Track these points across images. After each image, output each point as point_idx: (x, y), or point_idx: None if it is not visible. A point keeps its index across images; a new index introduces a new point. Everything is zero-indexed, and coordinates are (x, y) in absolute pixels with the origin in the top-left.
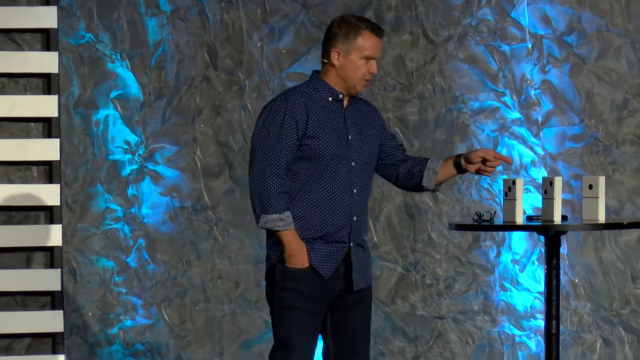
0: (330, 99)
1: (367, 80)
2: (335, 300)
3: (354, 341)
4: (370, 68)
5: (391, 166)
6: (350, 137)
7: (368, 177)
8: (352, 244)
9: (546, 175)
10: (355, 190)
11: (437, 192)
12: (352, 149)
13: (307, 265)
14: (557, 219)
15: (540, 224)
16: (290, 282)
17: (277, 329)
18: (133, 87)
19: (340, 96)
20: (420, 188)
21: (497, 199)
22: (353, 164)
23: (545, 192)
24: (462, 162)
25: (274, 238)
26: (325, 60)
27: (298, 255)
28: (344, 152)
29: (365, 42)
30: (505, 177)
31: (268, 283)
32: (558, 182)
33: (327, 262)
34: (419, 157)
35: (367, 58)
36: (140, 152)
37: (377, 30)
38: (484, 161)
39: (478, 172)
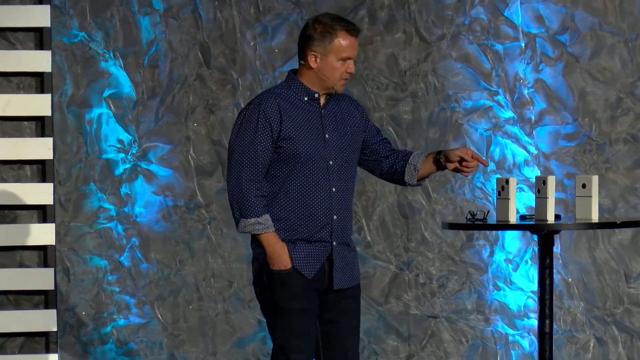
0: (306, 98)
1: (344, 79)
2: (323, 297)
3: (343, 339)
4: (348, 67)
5: (375, 161)
6: (327, 136)
7: (348, 175)
8: (334, 243)
9: (539, 174)
10: (334, 189)
11: (430, 191)
12: (330, 147)
13: (289, 266)
14: (551, 218)
15: (533, 223)
16: (278, 285)
17: (273, 333)
18: (126, 86)
19: (317, 95)
20: (403, 183)
21: (490, 198)
22: (331, 162)
23: (539, 191)
24: (442, 159)
25: (257, 241)
26: (302, 62)
27: (280, 257)
28: (321, 151)
29: (342, 43)
30: (499, 176)
31: (257, 285)
32: (551, 181)
33: (310, 262)
34: (403, 151)
35: (345, 59)
36: (134, 151)
37: (352, 30)
38: (462, 160)
39: (455, 170)
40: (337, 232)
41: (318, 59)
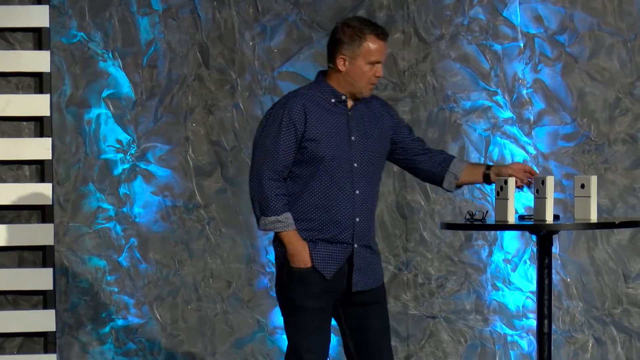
0: (333, 100)
1: (372, 83)
2: (346, 300)
3: (376, 342)
4: (376, 71)
5: (407, 160)
6: (353, 138)
7: (373, 177)
8: (356, 245)
9: (538, 174)
10: (357, 192)
11: (429, 191)
12: (355, 150)
13: (309, 265)
14: (549, 219)
15: (532, 223)
16: (297, 283)
17: (289, 331)
18: (125, 86)
19: (343, 97)
20: (440, 186)
21: (489, 199)
22: (355, 165)
23: (538, 191)
24: (492, 175)
25: (279, 238)
26: (331, 65)
27: (300, 255)
28: (346, 153)
29: (371, 47)
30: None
31: (278, 284)
32: (550, 181)
33: (329, 262)
34: (440, 153)
35: (373, 63)
36: (132, 151)
37: (381, 34)
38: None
39: None
40: (358, 235)
41: (347, 62)
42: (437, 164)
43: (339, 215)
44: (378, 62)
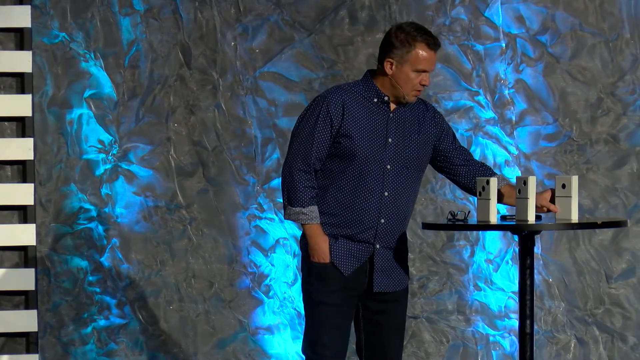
0: (375, 100)
1: (418, 90)
2: (366, 296)
3: (385, 340)
4: (422, 80)
5: (448, 168)
6: (390, 140)
7: (407, 181)
8: (377, 246)
9: (520, 174)
10: (386, 193)
11: None
12: (389, 152)
13: (328, 260)
14: (531, 219)
15: (514, 223)
16: (316, 278)
17: (306, 323)
18: (107, 87)
19: (386, 98)
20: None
21: (471, 199)
22: (388, 167)
23: (519, 191)
24: None
25: (303, 233)
26: (379, 66)
27: (320, 249)
28: (380, 154)
29: (420, 55)
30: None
31: (301, 276)
32: (532, 181)
33: (348, 260)
34: (481, 167)
35: (420, 71)
36: (114, 152)
37: (433, 44)
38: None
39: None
40: (381, 236)
41: (394, 67)
42: (476, 177)
43: (363, 214)
44: (425, 71)
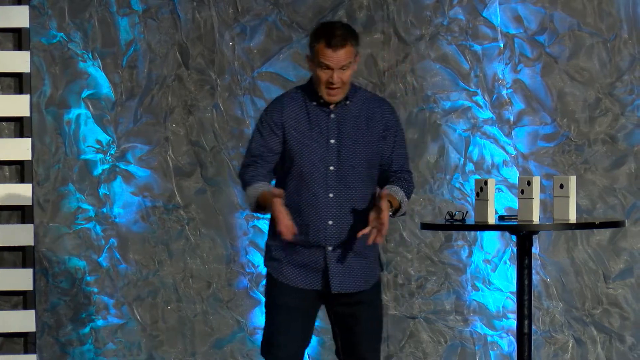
0: (314, 103)
1: (330, 89)
2: (332, 300)
3: (360, 342)
4: (330, 77)
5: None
6: (332, 141)
7: (355, 181)
8: (329, 248)
9: (518, 174)
10: (331, 195)
11: None
12: (332, 153)
13: (292, 230)
14: (536, 219)
15: (512, 223)
16: (269, 280)
17: (264, 325)
18: (105, 87)
19: (322, 100)
20: None
21: (469, 199)
22: (331, 168)
23: (523, 191)
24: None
25: (266, 240)
26: None
27: (280, 222)
28: (322, 156)
29: (320, 53)
30: (477, 177)
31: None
32: (536, 181)
33: (303, 276)
34: (395, 181)
35: (324, 67)
36: (112, 152)
37: (330, 42)
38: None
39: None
40: (332, 237)
41: (310, 65)
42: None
43: (310, 217)
44: (329, 68)
